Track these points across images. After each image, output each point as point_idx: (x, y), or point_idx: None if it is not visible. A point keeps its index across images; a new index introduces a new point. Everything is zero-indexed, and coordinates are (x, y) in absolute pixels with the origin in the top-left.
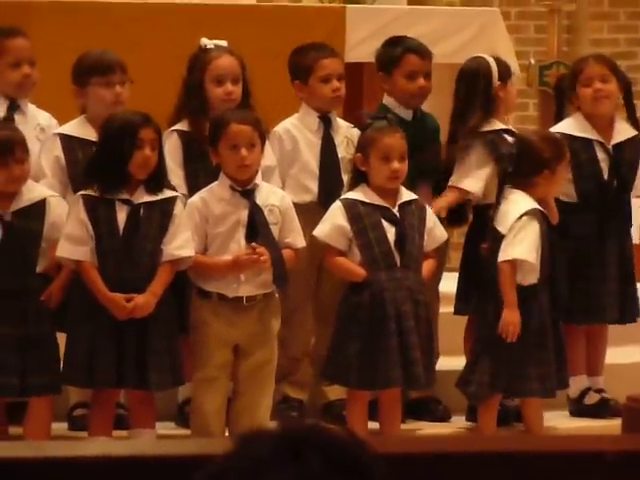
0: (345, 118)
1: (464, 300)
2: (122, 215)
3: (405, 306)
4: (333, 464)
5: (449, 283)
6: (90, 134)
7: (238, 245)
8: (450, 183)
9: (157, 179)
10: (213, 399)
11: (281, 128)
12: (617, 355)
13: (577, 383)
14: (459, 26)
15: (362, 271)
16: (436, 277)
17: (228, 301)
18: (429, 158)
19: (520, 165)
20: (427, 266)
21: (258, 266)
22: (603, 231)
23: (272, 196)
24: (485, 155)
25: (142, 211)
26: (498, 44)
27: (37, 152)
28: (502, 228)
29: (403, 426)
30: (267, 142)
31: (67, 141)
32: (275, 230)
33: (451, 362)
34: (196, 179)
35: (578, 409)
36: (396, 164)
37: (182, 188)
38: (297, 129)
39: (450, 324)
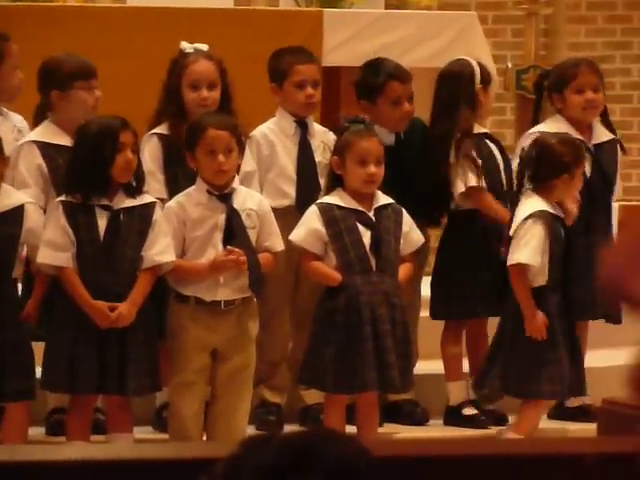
0: (322, 122)
1: (438, 304)
2: (102, 221)
3: (381, 310)
4: None
5: (428, 287)
6: (65, 140)
7: (215, 249)
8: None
9: (136, 183)
10: (191, 403)
11: (258, 133)
12: (597, 358)
13: None
14: (436, 30)
15: (338, 275)
16: (416, 281)
17: (206, 305)
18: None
19: (539, 169)
20: (404, 270)
21: (236, 268)
22: (588, 228)
23: (249, 200)
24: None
25: (122, 217)
26: (475, 48)
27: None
28: (511, 231)
29: (381, 429)
30: (247, 147)
31: (45, 148)
32: (253, 234)
33: (429, 365)
34: (176, 183)
35: (558, 413)
36: (372, 168)
37: (162, 192)
38: (274, 134)
39: (428, 328)
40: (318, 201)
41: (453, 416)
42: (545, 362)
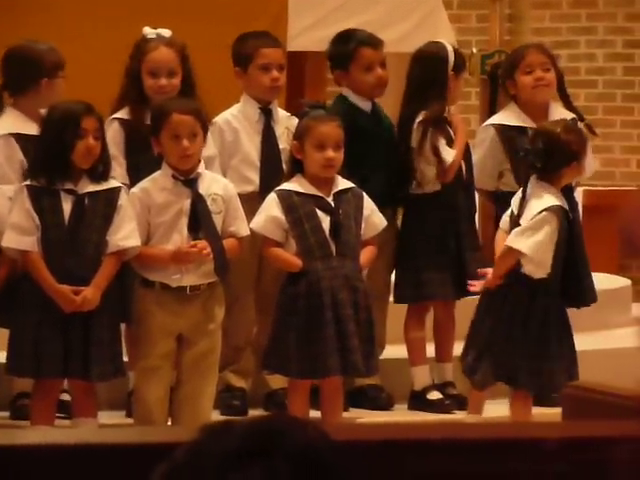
0: (287, 107)
1: (399, 288)
2: (67, 205)
3: (342, 294)
4: (300, 471)
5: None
6: (34, 129)
7: (180, 235)
8: None
9: (103, 168)
10: (156, 388)
11: (221, 119)
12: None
13: None
14: (401, 15)
15: (298, 261)
16: (386, 271)
17: (171, 291)
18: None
19: (550, 160)
20: (366, 254)
21: (199, 260)
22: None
23: (215, 185)
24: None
25: (87, 201)
26: (440, 33)
27: None
28: (523, 221)
29: (345, 414)
30: (209, 133)
31: (23, 140)
32: (218, 219)
33: (394, 351)
34: (137, 168)
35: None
36: (330, 152)
37: (124, 177)
38: (237, 120)
39: (393, 313)
40: (277, 188)
41: (417, 401)
42: (535, 354)
